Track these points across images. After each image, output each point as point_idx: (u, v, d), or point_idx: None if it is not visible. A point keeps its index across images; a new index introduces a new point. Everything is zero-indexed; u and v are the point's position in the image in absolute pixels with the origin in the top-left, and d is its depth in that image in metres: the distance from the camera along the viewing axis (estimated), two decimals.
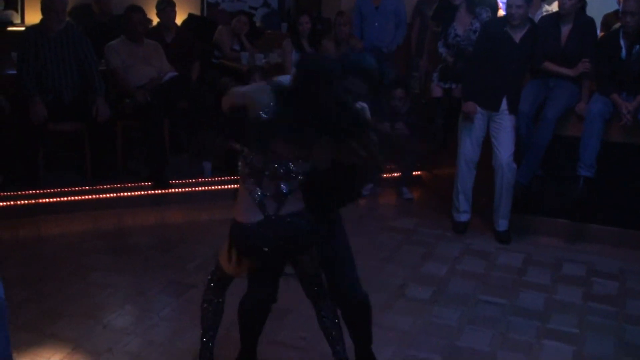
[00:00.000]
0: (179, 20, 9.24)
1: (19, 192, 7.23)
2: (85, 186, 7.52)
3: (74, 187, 7.46)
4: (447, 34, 8.12)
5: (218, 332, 4.47)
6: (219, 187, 7.95)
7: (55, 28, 7.49)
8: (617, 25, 7.21)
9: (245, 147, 3.93)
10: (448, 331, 5.31)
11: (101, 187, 7.56)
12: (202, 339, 4.45)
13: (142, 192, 7.68)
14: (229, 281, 4.39)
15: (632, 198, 7.09)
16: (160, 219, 7.47)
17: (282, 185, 3.91)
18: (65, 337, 4.94)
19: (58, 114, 7.52)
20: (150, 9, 8.93)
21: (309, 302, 4.51)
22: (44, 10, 7.48)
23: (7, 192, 7.21)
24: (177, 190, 7.79)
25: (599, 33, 7.59)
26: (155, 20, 9.10)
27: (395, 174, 8.64)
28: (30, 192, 7.27)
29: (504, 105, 6.97)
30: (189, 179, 7.95)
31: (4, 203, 7.15)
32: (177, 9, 8.95)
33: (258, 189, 3.90)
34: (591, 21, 7.34)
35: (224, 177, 8.03)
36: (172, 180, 7.83)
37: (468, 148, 7.16)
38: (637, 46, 6.83)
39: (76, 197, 7.41)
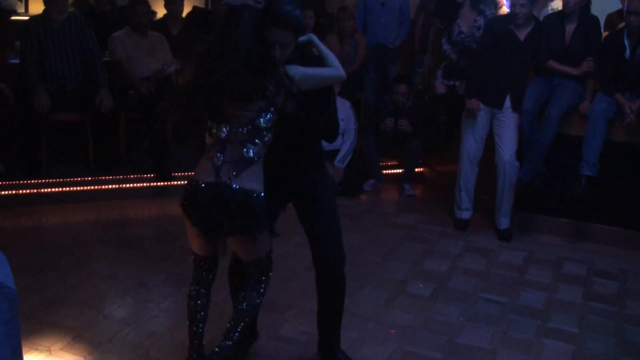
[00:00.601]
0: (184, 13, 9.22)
1: (21, 182, 7.26)
2: (88, 177, 7.54)
3: (76, 178, 7.48)
4: (451, 31, 8.12)
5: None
6: None
7: (58, 18, 7.51)
8: (622, 24, 7.19)
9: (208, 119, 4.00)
10: (448, 328, 5.31)
11: (103, 178, 7.58)
12: (189, 331, 4.37)
13: (145, 184, 7.71)
14: (207, 268, 4.37)
15: (634, 198, 7.09)
16: (162, 211, 7.47)
17: (247, 148, 3.93)
18: (66, 327, 4.95)
19: (61, 104, 7.54)
20: (154, 1, 8.92)
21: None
22: (47, 1, 7.50)
23: (9, 181, 7.23)
24: (179, 182, 7.77)
25: (603, 32, 7.57)
26: (160, 13, 9.09)
27: (398, 170, 8.65)
28: (32, 181, 7.30)
29: (508, 103, 6.98)
30: (191, 171, 7.89)
31: (6, 192, 7.17)
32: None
33: (220, 154, 3.94)
34: (596, 20, 7.32)
35: None
36: (174, 173, 7.82)
37: (471, 145, 7.17)
38: None
39: (78, 188, 7.44)
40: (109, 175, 7.61)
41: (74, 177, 7.47)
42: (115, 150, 7.99)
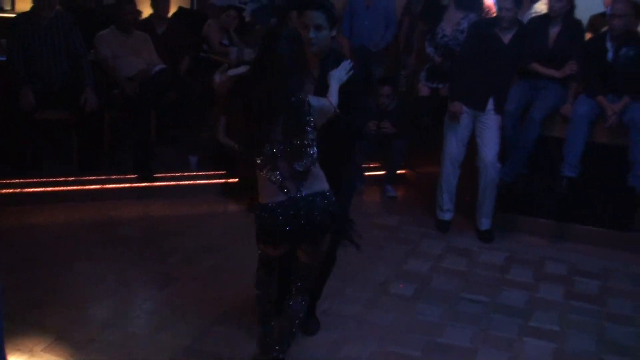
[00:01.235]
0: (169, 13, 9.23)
1: (5, 181, 7.22)
2: (72, 176, 7.50)
3: (60, 177, 7.45)
4: (435, 34, 8.15)
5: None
6: (205, 181, 7.97)
7: (46, 16, 7.49)
8: (605, 28, 7.25)
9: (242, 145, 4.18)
10: (430, 328, 5.34)
11: (87, 178, 7.54)
12: (259, 324, 4.65)
13: (128, 185, 7.68)
14: (274, 263, 4.56)
15: (615, 199, 7.17)
16: (145, 211, 7.45)
17: (295, 165, 4.10)
18: (49, 327, 4.93)
19: (47, 103, 7.52)
20: (140, 0, 8.93)
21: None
22: None
23: None
24: (162, 183, 7.78)
25: (586, 34, 7.63)
26: (146, 12, 9.10)
27: (380, 172, 8.67)
28: (16, 181, 7.26)
29: (491, 105, 7.02)
30: (174, 172, 7.94)
31: None
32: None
33: (276, 172, 4.11)
34: (579, 23, 7.39)
35: (210, 171, 8.05)
36: (157, 174, 7.82)
37: (453, 147, 7.20)
38: (624, 48, 6.89)
39: (62, 187, 7.40)
40: (92, 176, 7.59)
41: (58, 177, 7.45)
42: (99, 149, 7.97)
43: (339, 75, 4.41)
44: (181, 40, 8.90)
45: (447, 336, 5.24)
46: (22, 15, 7.70)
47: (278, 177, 4.11)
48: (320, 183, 4.21)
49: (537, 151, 7.10)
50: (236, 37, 9.59)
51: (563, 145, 7.00)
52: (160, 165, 7.94)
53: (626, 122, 6.86)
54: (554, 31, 7.13)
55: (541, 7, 8.33)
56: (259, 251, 4.53)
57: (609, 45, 6.96)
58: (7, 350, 4.14)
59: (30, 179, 7.34)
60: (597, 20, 9.23)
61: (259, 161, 4.17)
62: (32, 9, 7.56)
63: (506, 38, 6.98)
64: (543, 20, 7.27)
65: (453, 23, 8.06)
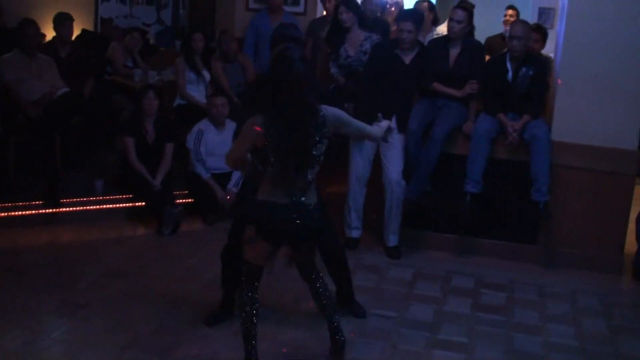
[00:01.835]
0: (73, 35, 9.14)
1: None
2: None
3: None
4: (339, 55, 8.24)
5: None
6: (111, 205, 7.88)
7: None
8: (505, 49, 7.47)
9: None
10: None
11: None
12: (245, 350, 4.87)
13: (34, 211, 7.52)
14: (258, 276, 4.94)
15: (518, 213, 7.34)
16: (52, 238, 7.30)
17: (308, 173, 4.63)
18: None
19: None
20: (43, 23, 8.83)
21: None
22: None
23: None
24: (68, 209, 7.67)
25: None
26: (49, 35, 9.00)
27: None
28: None
29: (394, 124, 7.12)
30: (80, 197, 7.83)
31: None
32: None
33: (287, 178, 4.57)
34: (479, 44, 7.61)
35: (116, 195, 7.97)
36: (63, 199, 7.68)
37: (359, 166, 7.28)
38: (524, 68, 7.10)
39: None
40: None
41: None
42: (4, 175, 7.82)
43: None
44: (85, 63, 8.80)
45: (357, 352, 5.29)
46: None
47: (287, 182, 4.55)
48: (315, 194, 4.75)
49: (440, 168, 7.24)
50: (140, 60, 9.55)
51: (465, 162, 7.16)
52: (66, 190, 7.82)
53: (527, 139, 7.07)
54: (454, 52, 7.30)
55: (443, 29, 8.56)
56: (246, 267, 4.86)
57: (508, 65, 7.17)
58: None
59: None
60: (494, 42, 9.52)
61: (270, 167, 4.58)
62: None
63: (407, 59, 7.12)
64: (443, 41, 7.45)
65: (356, 44, 8.16)
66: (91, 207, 7.81)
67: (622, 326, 6.16)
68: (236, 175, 8.09)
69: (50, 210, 7.59)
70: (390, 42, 7.59)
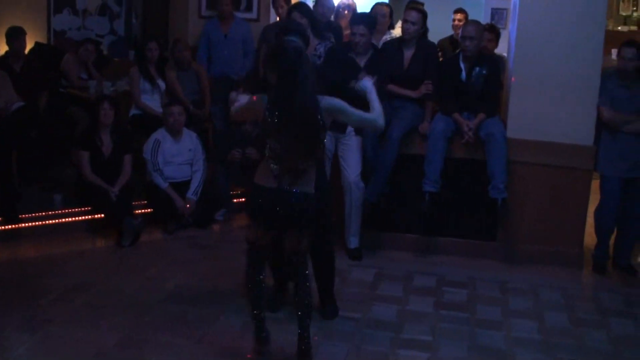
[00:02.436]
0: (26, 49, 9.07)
1: None
2: None
3: None
4: None
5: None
6: (71, 218, 7.82)
7: None
8: (458, 50, 7.54)
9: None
10: None
11: None
12: (252, 317, 5.06)
13: None
14: (261, 259, 5.05)
15: (476, 210, 7.42)
16: (12, 254, 7.21)
17: (300, 162, 4.71)
18: None
19: None
20: None
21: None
22: None
23: None
24: (27, 224, 7.60)
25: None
26: (1, 49, 8.93)
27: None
28: None
29: (350, 127, 7.16)
30: (39, 212, 7.76)
31: None
32: None
33: (276, 166, 4.72)
34: (433, 45, 7.69)
35: (76, 208, 7.91)
36: (22, 214, 7.61)
37: None
38: (477, 68, 7.18)
39: None
40: None
41: None
42: None
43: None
44: (39, 76, 8.74)
45: (321, 355, 5.28)
46: None
47: (276, 170, 4.70)
48: (311, 184, 4.82)
49: (398, 169, 7.29)
50: (94, 71, 9.50)
51: (423, 162, 7.21)
52: (24, 205, 7.75)
53: (482, 137, 7.14)
54: (408, 53, 7.36)
55: (398, 32, 8.60)
56: (248, 246, 5.00)
57: (462, 65, 7.24)
58: None
59: None
60: (445, 43, 9.60)
61: (267, 152, 4.76)
62: None
63: (361, 61, 7.14)
64: (397, 43, 7.51)
65: (310, 49, 8.17)
66: (50, 221, 7.74)
67: (584, 319, 6.22)
68: (195, 184, 8.08)
69: (10, 227, 7.50)
70: (344, 46, 7.61)
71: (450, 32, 10.34)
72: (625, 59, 7.00)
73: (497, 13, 11.87)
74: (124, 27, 11.46)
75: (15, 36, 8.65)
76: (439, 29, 9.88)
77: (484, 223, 7.45)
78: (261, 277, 5.04)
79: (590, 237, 7.49)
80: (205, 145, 8.62)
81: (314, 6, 8.92)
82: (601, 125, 7.18)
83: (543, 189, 7.29)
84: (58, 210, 7.91)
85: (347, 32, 8.81)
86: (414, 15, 7.31)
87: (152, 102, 9.05)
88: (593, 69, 7.14)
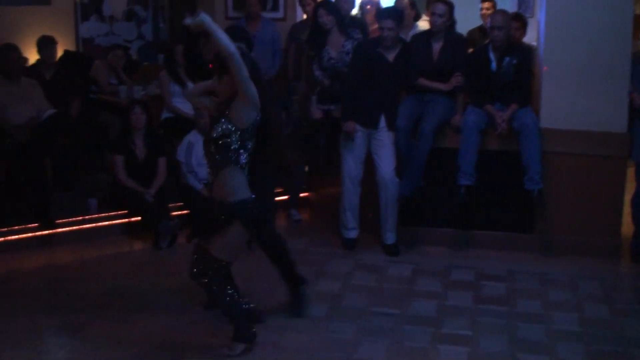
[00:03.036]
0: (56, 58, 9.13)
1: None
2: None
3: None
4: (321, 57, 8.22)
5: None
6: (107, 222, 7.88)
7: None
8: (487, 40, 7.48)
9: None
10: (345, 345, 5.40)
11: None
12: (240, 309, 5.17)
13: (29, 234, 7.53)
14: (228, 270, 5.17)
15: (512, 202, 7.36)
16: (49, 259, 7.30)
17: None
18: None
19: None
20: (25, 47, 8.82)
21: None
22: None
23: None
24: (64, 229, 7.66)
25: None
26: (32, 58, 9.00)
27: (283, 197, 8.72)
28: None
29: (382, 122, 7.15)
30: (75, 217, 7.82)
31: None
32: None
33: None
34: (461, 37, 7.64)
35: (111, 212, 7.97)
36: (58, 220, 7.67)
37: (351, 166, 7.29)
38: (507, 58, 7.12)
39: None
40: None
41: None
42: None
43: None
44: (70, 83, 8.78)
45: (362, 352, 5.30)
46: None
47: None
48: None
49: (432, 163, 7.25)
50: (124, 76, 9.54)
51: (457, 156, 7.17)
52: (60, 211, 7.80)
53: (516, 128, 7.08)
54: (437, 46, 7.31)
55: (424, 25, 8.56)
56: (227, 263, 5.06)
57: (492, 56, 7.18)
58: None
59: None
60: (474, 34, 9.53)
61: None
62: None
63: (390, 56, 7.13)
64: (426, 36, 7.45)
65: (338, 45, 8.16)
66: (86, 225, 7.81)
67: (623, 309, 6.17)
68: None
69: (46, 232, 7.58)
70: (372, 41, 7.58)
71: (479, 21, 10.27)
72: None
73: (524, 2, 11.74)
74: (151, 32, 11.52)
75: (45, 45, 8.74)
76: (470, 18, 9.81)
77: (521, 215, 7.39)
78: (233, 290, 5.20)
79: (627, 226, 7.39)
80: None
81: (335, 1, 8.89)
82: (634, 112, 7.11)
83: (578, 179, 7.22)
84: (93, 214, 7.95)
85: (372, 27, 8.81)
86: (440, 8, 7.26)
87: (183, 104, 9.05)
88: (623, 54, 7.07)
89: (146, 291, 6.36)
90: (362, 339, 5.48)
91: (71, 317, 5.85)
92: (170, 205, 7.98)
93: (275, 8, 10.42)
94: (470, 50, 7.92)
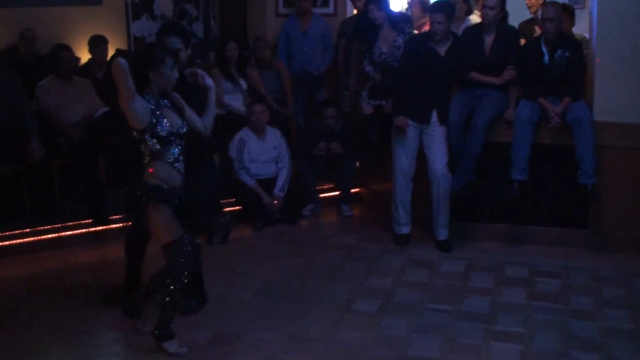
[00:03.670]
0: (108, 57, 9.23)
1: None
2: (26, 228, 7.45)
3: (15, 230, 7.39)
4: (373, 52, 8.21)
5: None
6: None
7: None
8: (538, 32, 7.39)
9: None
10: (398, 342, 5.38)
11: (42, 228, 7.49)
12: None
13: (84, 230, 7.64)
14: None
15: (565, 197, 7.27)
16: (103, 255, 7.39)
17: None
18: None
19: None
20: (77, 47, 8.92)
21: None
22: None
23: None
24: (117, 225, 7.72)
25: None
26: (84, 58, 9.11)
27: (334, 193, 8.72)
28: None
29: (434, 117, 7.11)
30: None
31: None
32: None
33: None
34: (513, 30, 7.55)
35: None
36: (111, 215, 7.76)
37: (403, 161, 7.27)
38: (559, 51, 7.03)
39: (18, 240, 7.34)
40: (47, 225, 7.54)
41: (9, 231, 7.39)
42: (50, 198, 7.93)
43: None
44: None
45: (415, 348, 5.28)
46: None
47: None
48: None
49: (484, 158, 7.19)
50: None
51: (510, 150, 7.11)
52: (114, 206, 7.87)
53: (569, 121, 6.99)
54: (489, 39, 7.24)
55: (475, 18, 8.49)
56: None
57: (544, 48, 7.10)
58: None
59: None
60: (526, 26, 9.43)
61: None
62: None
63: (442, 50, 7.08)
64: (477, 29, 7.38)
65: (389, 40, 8.13)
66: None
67: None
68: (281, 180, 8.12)
69: (100, 228, 7.68)
70: (423, 35, 7.54)
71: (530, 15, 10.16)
72: None
73: None
74: (202, 30, 11.57)
75: (97, 45, 8.89)
76: (520, 10, 9.69)
77: (574, 210, 7.30)
78: None
79: None
80: (289, 142, 8.63)
81: None
82: None
83: (632, 173, 7.09)
84: None
85: (417, 23, 8.78)
86: (492, 0, 7.18)
87: (235, 101, 9.11)
88: None
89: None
90: (414, 336, 5.46)
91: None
92: (222, 201, 8.02)
93: (325, 4, 10.46)
94: (523, 41, 7.83)
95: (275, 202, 8.04)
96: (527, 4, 9.59)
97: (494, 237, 7.41)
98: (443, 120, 7.08)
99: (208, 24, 11.52)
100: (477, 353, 5.21)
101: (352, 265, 6.92)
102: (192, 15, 11.40)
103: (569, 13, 8.43)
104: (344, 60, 9.72)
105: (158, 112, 5.09)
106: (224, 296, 6.20)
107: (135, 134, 5.18)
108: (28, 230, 7.45)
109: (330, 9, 10.44)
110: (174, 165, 5.15)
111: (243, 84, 9.13)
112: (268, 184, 8.14)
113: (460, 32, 7.67)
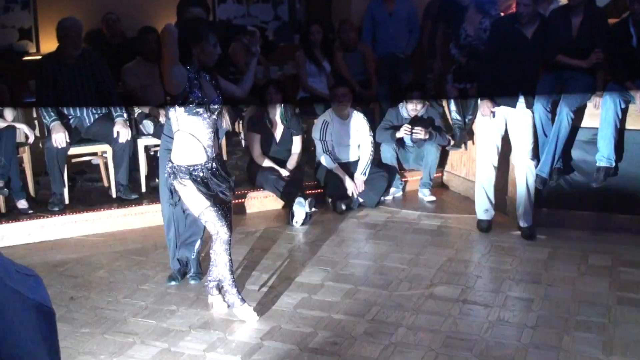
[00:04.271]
0: None
1: (48, 216, 7.33)
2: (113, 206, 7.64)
3: (101, 209, 7.57)
4: (459, 35, 8.16)
5: None
6: (242, 200, 8.05)
7: (73, 54, 7.56)
8: (627, 13, 7.23)
9: None
10: (478, 327, 5.33)
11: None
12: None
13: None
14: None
15: None
16: None
17: None
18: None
19: (79, 138, 7.66)
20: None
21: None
22: (60, 38, 7.54)
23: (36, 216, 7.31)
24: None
25: (609, 20, 7.60)
26: None
27: (417, 177, 8.69)
28: (59, 215, 7.38)
29: (520, 101, 7.01)
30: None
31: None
32: None
33: None
34: (601, 11, 7.39)
35: (247, 190, 8.16)
36: None
37: (487, 146, 7.19)
38: None
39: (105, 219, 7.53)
40: (132, 205, 7.70)
41: (97, 209, 7.57)
42: (136, 179, 8.09)
43: None
44: None
45: (495, 334, 5.23)
46: (48, 56, 7.76)
47: None
48: None
49: (571, 143, 7.07)
50: (261, 56, 9.66)
51: (596, 136, 6.97)
52: None
53: None
54: (576, 21, 7.10)
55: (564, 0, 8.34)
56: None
57: (632, 30, 6.93)
58: None
59: (70, 212, 7.48)
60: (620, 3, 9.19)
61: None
62: (58, 49, 7.62)
63: (529, 32, 6.96)
64: (564, 10, 7.24)
65: (475, 23, 8.07)
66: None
67: None
68: (363, 163, 8.11)
69: None
70: (509, 17, 7.44)
71: None
72: None
73: None
74: (287, 13, 11.64)
75: None
76: None
77: None
78: None
79: None
80: (373, 126, 8.62)
81: None
82: None
83: None
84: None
85: (505, 4, 8.65)
86: None
87: (319, 84, 9.14)
88: None
89: (282, 267, 6.48)
90: (495, 322, 5.42)
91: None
92: (305, 183, 8.07)
93: None
94: (612, 22, 7.66)
95: (357, 185, 8.04)
96: None
97: (579, 225, 7.31)
98: (529, 104, 6.98)
99: (293, 6, 11.59)
100: (558, 342, 5.13)
101: (434, 250, 6.89)
102: None
103: None
104: (429, 43, 9.66)
105: (195, 82, 5.19)
106: (305, 279, 6.23)
107: (168, 99, 5.31)
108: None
109: None
110: (200, 139, 5.26)
111: (327, 66, 9.15)
112: (350, 167, 8.15)
113: (547, 14, 7.54)
